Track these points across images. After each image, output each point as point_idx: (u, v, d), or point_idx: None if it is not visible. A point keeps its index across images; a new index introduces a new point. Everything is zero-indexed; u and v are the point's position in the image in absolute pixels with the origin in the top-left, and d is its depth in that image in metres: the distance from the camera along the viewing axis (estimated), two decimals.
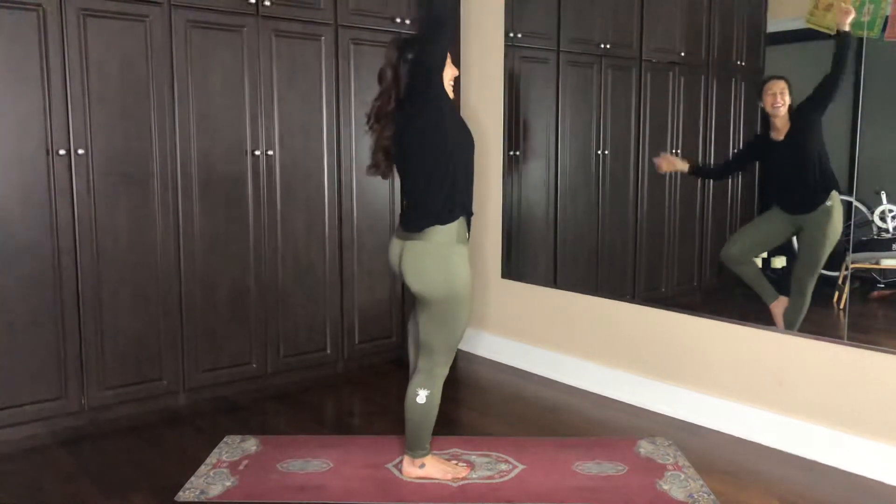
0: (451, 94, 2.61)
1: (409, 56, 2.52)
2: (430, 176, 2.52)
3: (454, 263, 2.52)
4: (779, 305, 3.18)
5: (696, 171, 3.57)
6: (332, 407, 3.63)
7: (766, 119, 3.18)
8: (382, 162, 2.63)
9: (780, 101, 3.10)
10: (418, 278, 2.54)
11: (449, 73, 2.58)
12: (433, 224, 2.51)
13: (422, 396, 2.62)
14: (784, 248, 3.32)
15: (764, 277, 3.29)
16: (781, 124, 3.13)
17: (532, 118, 4.15)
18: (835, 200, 3.05)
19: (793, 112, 3.10)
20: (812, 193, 3.13)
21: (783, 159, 3.19)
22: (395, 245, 2.63)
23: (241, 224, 3.61)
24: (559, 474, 2.79)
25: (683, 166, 3.58)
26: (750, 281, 3.32)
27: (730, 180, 3.53)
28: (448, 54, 2.56)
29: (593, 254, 3.98)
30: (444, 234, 2.51)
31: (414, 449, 2.71)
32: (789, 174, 3.21)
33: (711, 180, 3.59)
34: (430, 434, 2.72)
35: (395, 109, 2.55)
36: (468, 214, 2.61)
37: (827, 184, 3.07)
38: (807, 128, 3.06)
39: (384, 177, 2.70)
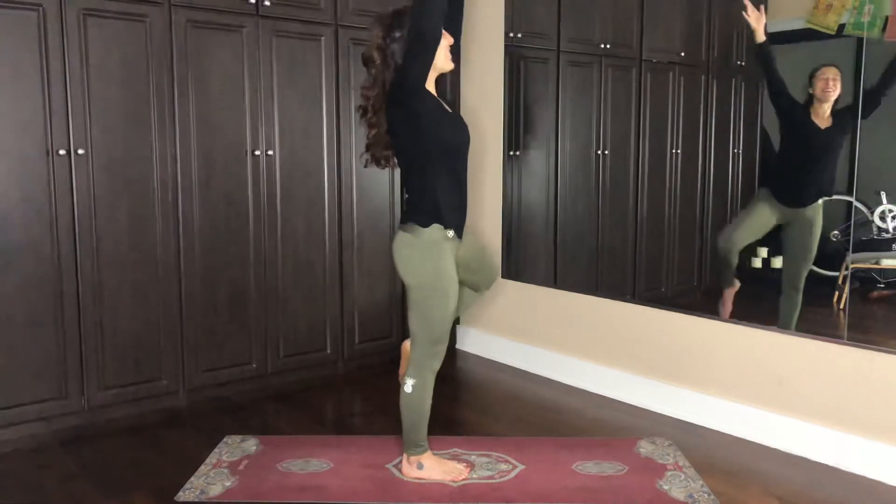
0: (451, 65, 2.56)
1: (398, 34, 2.41)
2: (414, 174, 2.55)
3: (433, 255, 2.53)
4: (732, 292, 3.29)
5: (764, 47, 3.17)
6: (332, 407, 3.63)
7: (807, 106, 3.12)
8: (382, 154, 2.58)
9: (832, 86, 3.04)
10: (400, 264, 2.59)
11: (444, 43, 2.46)
12: (413, 221, 2.54)
13: (408, 385, 2.63)
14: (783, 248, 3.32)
15: (734, 263, 3.37)
16: (824, 113, 3.07)
17: (532, 118, 4.15)
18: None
19: (839, 110, 3.03)
20: (817, 190, 3.15)
21: (815, 146, 3.16)
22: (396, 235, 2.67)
23: (241, 224, 3.61)
24: (559, 474, 2.79)
25: (761, 29, 3.15)
26: (725, 263, 3.38)
27: (729, 179, 3.52)
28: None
29: (593, 254, 3.98)
30: (425, 231, 2.52)
31: (410, 447, 2.71)
32: (811, 162, 3.19)
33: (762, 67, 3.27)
34: (424, 431, 2.71)
35: (389, 96, 2.46)
36: (455, 227, 2.55)
37: (830, 184, 3.10)
38: (848, 131, 3.01)
39: (383, 168, 2.65)
